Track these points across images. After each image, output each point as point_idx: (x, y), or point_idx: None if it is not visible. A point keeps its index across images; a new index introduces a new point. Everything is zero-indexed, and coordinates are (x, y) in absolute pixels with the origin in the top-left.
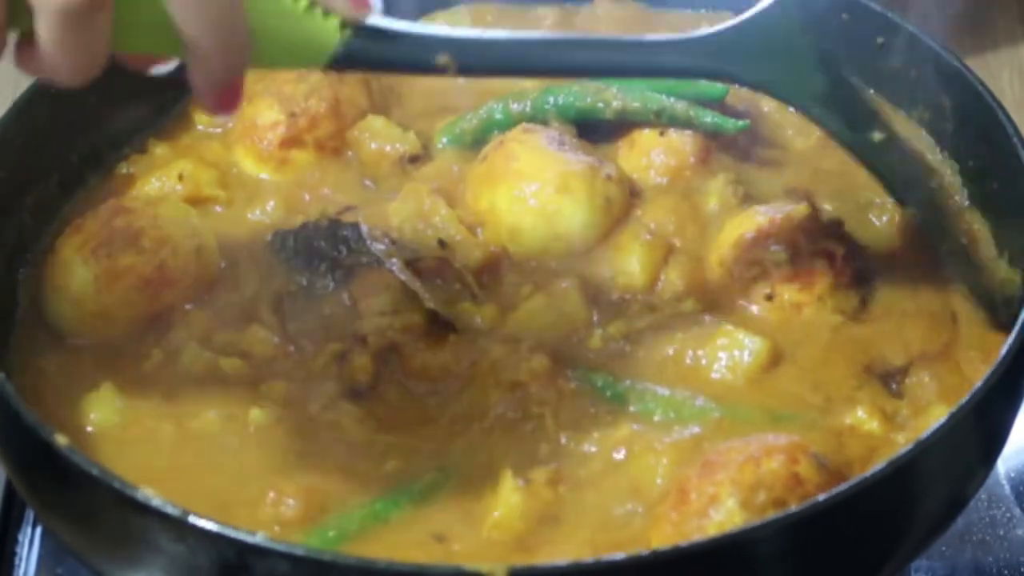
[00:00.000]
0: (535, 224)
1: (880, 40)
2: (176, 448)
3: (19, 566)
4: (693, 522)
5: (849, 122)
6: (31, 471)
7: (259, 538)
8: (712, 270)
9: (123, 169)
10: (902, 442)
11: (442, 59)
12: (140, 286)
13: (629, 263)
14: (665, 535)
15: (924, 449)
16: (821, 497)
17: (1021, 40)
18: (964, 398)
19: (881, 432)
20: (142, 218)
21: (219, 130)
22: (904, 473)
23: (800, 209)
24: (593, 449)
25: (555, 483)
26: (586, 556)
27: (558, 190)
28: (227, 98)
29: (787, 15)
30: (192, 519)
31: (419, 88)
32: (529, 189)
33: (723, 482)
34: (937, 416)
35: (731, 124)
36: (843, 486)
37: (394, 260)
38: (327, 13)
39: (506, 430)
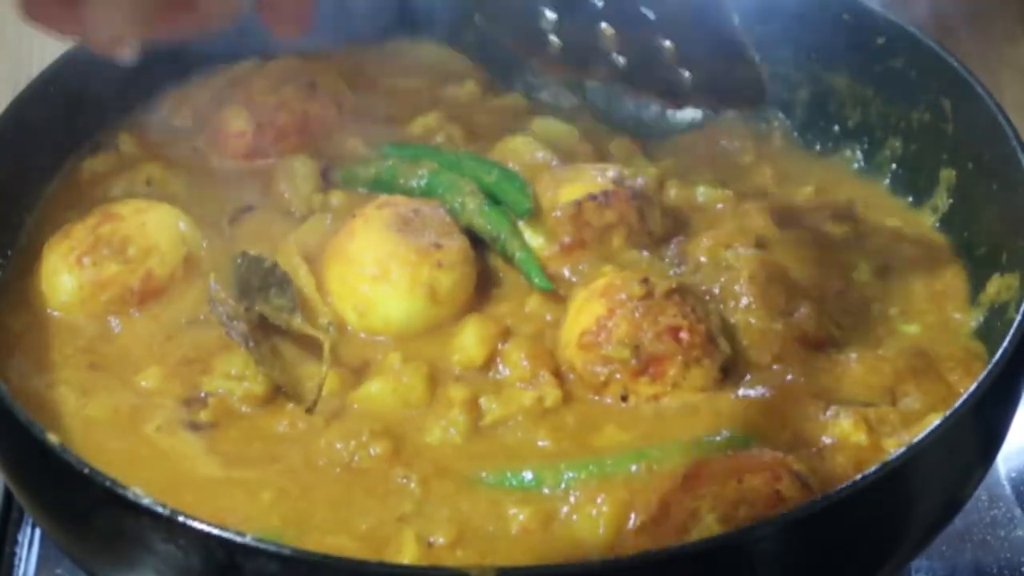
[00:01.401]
0: (357, 308)
1: (880, 40)
2: None
3: (19, 566)
4: (672, 536)
5: None
6: (23, 469)
7: (249, 538)
8: (568, 366)
9: (92, 166)
10: (892, 451)
11: None
12: (125, 296)
13: (465, 340)
14: (643, 547)
15: (921, 451)
16: (819, 498)
17: (1021, 40)
18: (961, 399)
19: (869, 443)
20: (129, 225)
21: (189, 129)
22: (902, 475)
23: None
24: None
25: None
26: None
27: (377, 279)
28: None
29: None
30: (182, 518)
31: (392, 111)
32: (353, 274)
33: (704, 497)
34: (930, 422)
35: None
36: (840, 487)
37: (237, 324)
38: None
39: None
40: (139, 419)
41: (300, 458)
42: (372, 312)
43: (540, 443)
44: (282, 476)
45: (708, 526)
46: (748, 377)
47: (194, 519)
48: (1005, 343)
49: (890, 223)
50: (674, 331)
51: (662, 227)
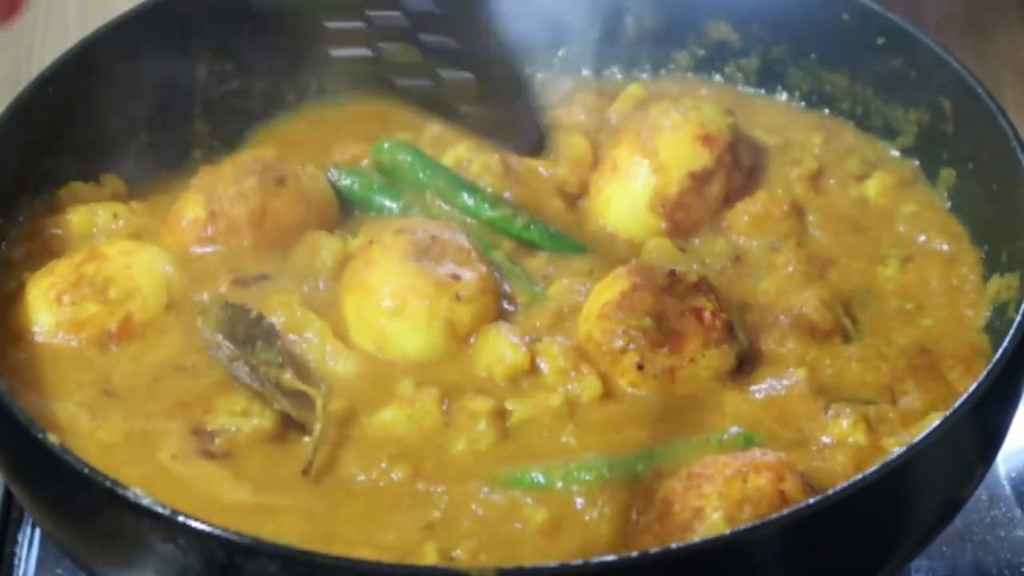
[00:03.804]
0: (375, 341)
1: (880, 40)
2: None
3: (19, 566)
4: (676, 534)
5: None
6: (23, 469)
7: (248, 538)
8: (583, 345)
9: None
10: (892, 451)
11: None
12: (101, 338)
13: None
14: (646, 546)
15: (921, 451)
16: (819, 498)
17: (1021, 40)
18: (960, 399)
19: (869, 443)
20: (114, 266)
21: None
22: (901, 475)
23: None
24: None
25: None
26: None
27: (394, 313)
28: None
29: None
30: (182, 518)
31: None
32: (371, 306)
33: (709, 495)
34: (931, 421)
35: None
36: (840, 487)
37: (240, 365)
38: None
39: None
40: (152, 446)
41: (325, 481)
42: (389, 345)
43: (564, 439)
44: (310, 498)
45: (713, 524)
46: (757, 372)
47: (194, 519)
48: (1004, 344)
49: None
50: (698, 312)
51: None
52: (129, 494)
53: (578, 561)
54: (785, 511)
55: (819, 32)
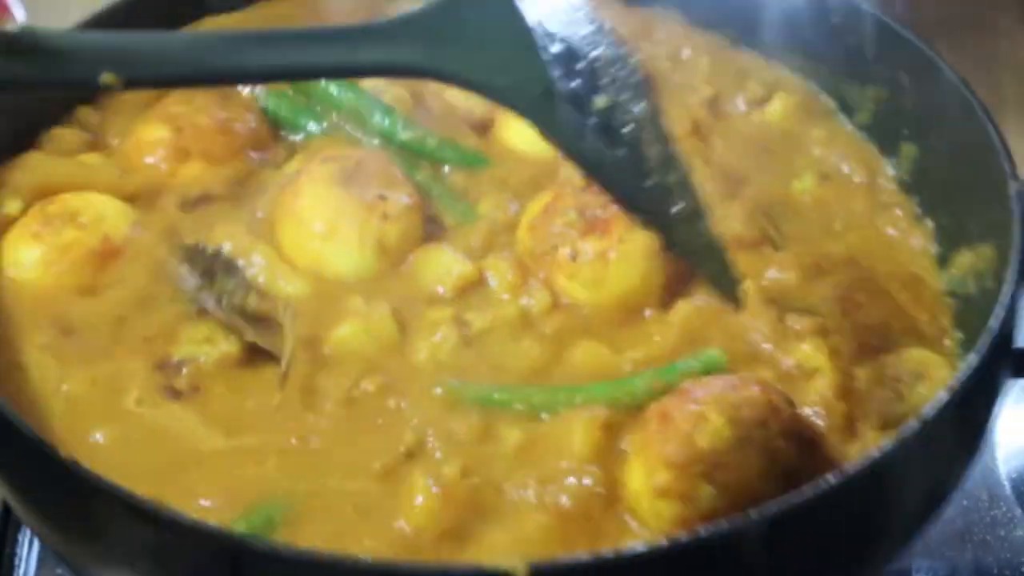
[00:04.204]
0: (311, 265)
1: (835, 20)
2: None
3: (19, 566)
4: (682, 439)
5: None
6: (23, 476)
7: (248, 537)
8: (523, 260)
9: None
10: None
11: (106, 78)
12: (88, 259)
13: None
14: (653, 457)
15: (904, 445)
16: (804, 495)
17: (1021, 40)
18: (943, 394)
19: (832, 367)
20: (74, 202)
21: (117, 143)
22: (885, 469)
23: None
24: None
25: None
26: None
27: (326, 237)
28: None
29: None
30: (180, 517)
31: None
32: (303, 233)
33: (707, 401)
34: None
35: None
36: (824, 483)
37: (206, 296)
38: None
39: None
40: (118, 390)
41: (295, 412)
42: (325, 268)
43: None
44: (284, 433)
45: (718, 429)
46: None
47: (192, 518)
48: (982, 342)
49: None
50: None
51: None
52: (123, 493)
53: (609, 552)
54: (768, 507)
55: (771, 15)
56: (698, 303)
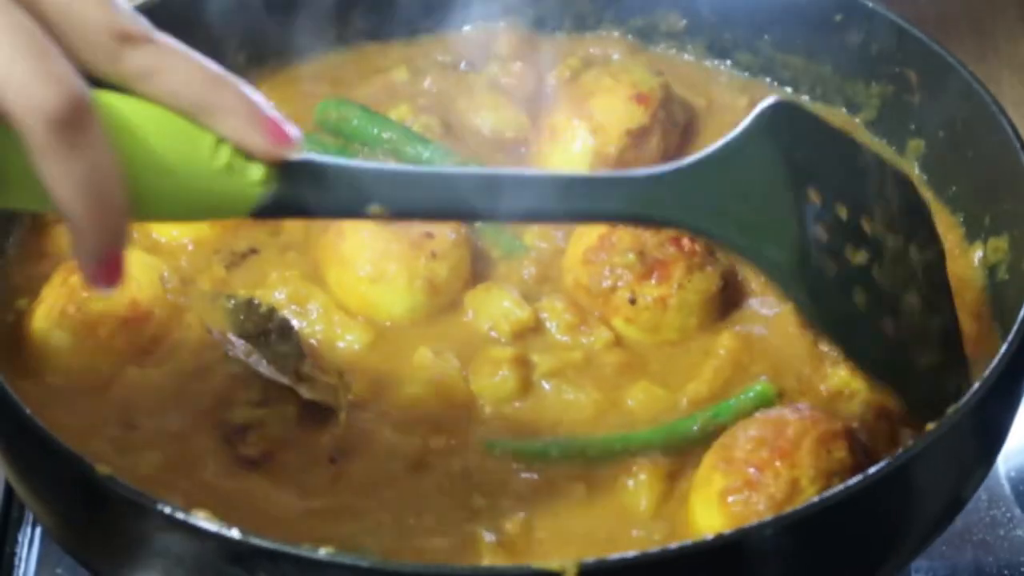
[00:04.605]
0: (362, 309)
1: (838, 17)
2: None
3: (19, 566)
4: (769, 504)
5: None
6: (26, 469)
7: (256, 540)
8: (572, 293)
9: None
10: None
11: (375, 209)
12: (120, 330)
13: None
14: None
15: (923, 450)
16: (820, 497)
17: (1021, 40)
18: (963, 399)
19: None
20: None
21: None
22: (903, 474)
23: None
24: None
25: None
26: None
27: (374, 280)
28: (104, 272)
29: (761, 150)
30: (187, 517)
31: None
32: (351, 276)
33: (802, 467)
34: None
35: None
36: (841, 487)
37: (257, 358)
38: (247, 159)
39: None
40: (194, 467)
41: (363, 469)
42: (375, 311)
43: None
44: (349, 495)
45: (780, 473)
46: (745, 307)
47: (199, 518)
48: (1005, 345)
49: None
50: (676, 240)
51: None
52: (133, 492)
53: (655, 550)
54: (783, 511)
55: (772, 13)
56: (740, 330)
